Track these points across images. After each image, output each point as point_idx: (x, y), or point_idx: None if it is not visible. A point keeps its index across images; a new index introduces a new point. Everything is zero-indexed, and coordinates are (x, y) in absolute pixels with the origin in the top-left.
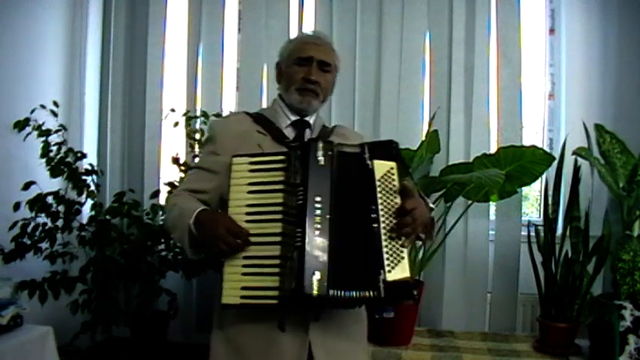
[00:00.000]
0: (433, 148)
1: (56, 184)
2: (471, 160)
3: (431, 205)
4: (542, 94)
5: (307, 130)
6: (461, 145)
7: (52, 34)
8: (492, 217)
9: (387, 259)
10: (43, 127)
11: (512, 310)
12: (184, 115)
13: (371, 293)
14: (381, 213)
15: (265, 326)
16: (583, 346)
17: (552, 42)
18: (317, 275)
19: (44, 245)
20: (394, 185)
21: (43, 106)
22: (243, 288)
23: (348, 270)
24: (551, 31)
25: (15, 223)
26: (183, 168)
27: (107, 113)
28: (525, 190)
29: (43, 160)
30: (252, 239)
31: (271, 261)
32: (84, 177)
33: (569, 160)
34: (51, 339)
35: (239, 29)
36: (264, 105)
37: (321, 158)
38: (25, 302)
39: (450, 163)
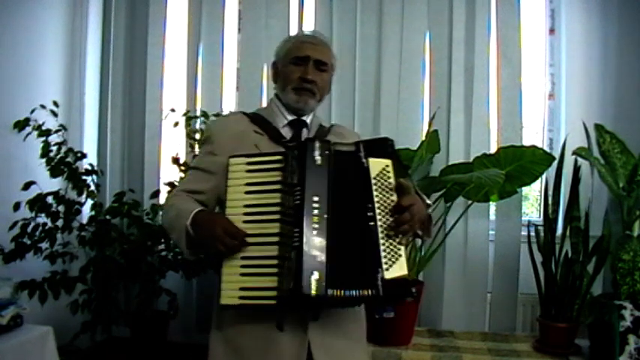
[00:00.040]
0: (433, 148)
1: (56, 184)
2: (471, 160)
3: (428, 202)
4: (542, 94)
5: (304, 130)
6: (461, 145)
7: (52, 34)
8: (492, 217)
9: (385, 257)
10: (43, 127)
11: (512, 310)
12: (184, 115)
13: (369, 292)
14: (378, 211)
15: (264, 326)
16: (583, 346)
17: (552, 42)
18: (315, 275)
19: (44, 245)
20: (390, 183)
21: (43, 106)
22: (242, 288)
23: (346, 269)
24: (551, 31)
25: (15, 223)
26: (183, 168)
27: (107, 113)
28: (525, 190)
29: (43, 160)
30: (250, 239)
31: (269, 261)
32: (84, 177)
33: (569, 160)
34: (51, 339)
35: (239, 29)
36: (265, 105)
37: (318, 158)
38: (25, 302)
39: (450, 163)
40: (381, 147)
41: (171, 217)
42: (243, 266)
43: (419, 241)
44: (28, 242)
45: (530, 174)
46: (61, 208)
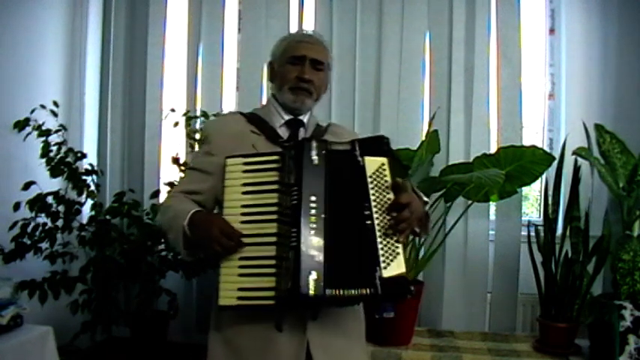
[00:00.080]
0: (433, 148)
1: (56, 184)
2: (471, 160)
3: (424, 199)
4: (542, 94)
5: (301, 129)
6: (461, 145)
7: (52, 34)
8: (492, 217)
9: (383, 255)
10: (43, 127)
11: (512, 310)
12: (184, 115)
13: (368, 291)
14: (375, 210)
15: (263, 326)
16: (583, 346)
17: (552, 42)
18: (313, 275)
19: (44, 245)
20: (386, 181)
21: (43, 106)
22: (240, 289)
23: (344, 268)
24: (551, 31)
25: (15, 223)
26: (183, 168)
27: (107, 113)
28: (525, 190)
29: (43, 160)
30: (248, 240)
31: (267, 261)
32: (84, 177)
33: (569, 160)
34: (51, 339)
35: (239, 29)
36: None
37: (315, 158)
38: (25, 302)
39: (450, 163)
40: (377, 145)
41: (169, 217)
42: (241, 267)
43: (419, 241)
44: (28, 242)
45: (530, 174)
46: (61, 208)
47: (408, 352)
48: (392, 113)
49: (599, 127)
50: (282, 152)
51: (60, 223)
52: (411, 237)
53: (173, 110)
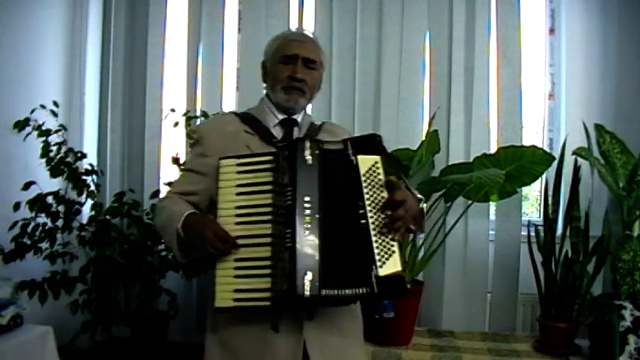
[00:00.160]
0: (433, 148)
1: (56, 184)
2: (471, 160)
3: (419, 196)
4: (542, 94)
5: (295, 129)
6: (461, 145)
7: (52, 34)
8: (492, 217)
9: (378, 254)
10: (43, 127)
11: (512, 310)
12: (184, 115)
13: (364, 290)
14: (369, 208)
15: (259, 327)
16: (583, 346)
17: (552, 42)
18: (309, 276)
19: (44, 245)
20: (380, 179)
21: (43, 106)
22: (236, 290)
23: (340, 268)
24: (551, 31)
25: (15, 223)
26: (183, 168)
27: (107, 113)
28: (525, 190)
29: (43, 160)
30: (243, 241)
31: (263, 262)
32: (84, 177)
33: (569, 160)
34: (51, 339)
35: (239, 29)
36: None
37: (308, 157)
38: (25, 302)
39: (450, 163)
40: (370, 143)
41: (164, 219)
42: (236, 268)
43: (419, 241)
44: (28, 242)
45: (530, 174)
46: (61, 208)
47: (408, 352)
48: (392, 113)
49: (599, 127)
50: (275, 152)
51: (60, 223)
52: (411, 236)
53: (173, 110)
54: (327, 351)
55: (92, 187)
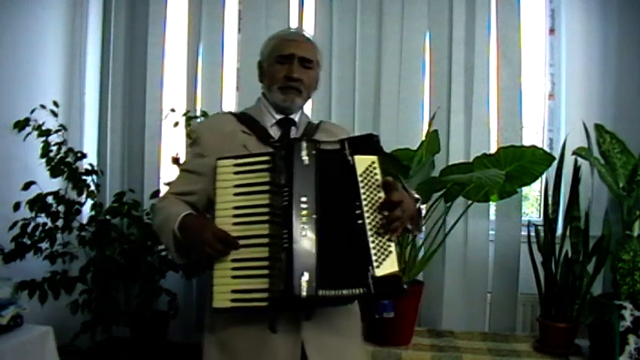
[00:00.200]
0: (433, 148)
1: (56, 184)
2: (471, 160)
3: (416, 196)
4: (542, 94)
5: (293, 128)
6: (461, 145)
7: (52, 34)
8: (492, 217)
9: (375, 254)
10: (43, 127)
11: (512, 310)
12: (184, 115)
13: (360, 290)
14: (365, 209)
15: (257, 328)
16: (583, 346)
17: (552, 42)
18: (305, 276)
19: (44, 245)
20: (377, 179)
21: (43, 106)
22: (234, 291)
23: (337, 269)
24: (551, 31)
25: (15, 223)
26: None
27: (107, 113)
28: (525, 190)
29: (43, 160)
30: (241, 242)
31: (260, 263)
32: (84, 177)
33: (569, 160)
34: (51, 339)
35: (239, 29)
36: None
37: (305, 158)
38: (25, 302)
39: (450, 163)
40: (367, 143)
41: (160, 220)
42: (234, 269)
43: (419, 241)
44: (28, 242)
45: (530, 174)
46: (61, 208)
47: (408, 352)
48: (392, 113)
49: (599, 127)
50: (272, 153)
51: (60, 223)
52: (411, 237)
53: (173, 110)
54: (325, 351)
55: (92, 187)
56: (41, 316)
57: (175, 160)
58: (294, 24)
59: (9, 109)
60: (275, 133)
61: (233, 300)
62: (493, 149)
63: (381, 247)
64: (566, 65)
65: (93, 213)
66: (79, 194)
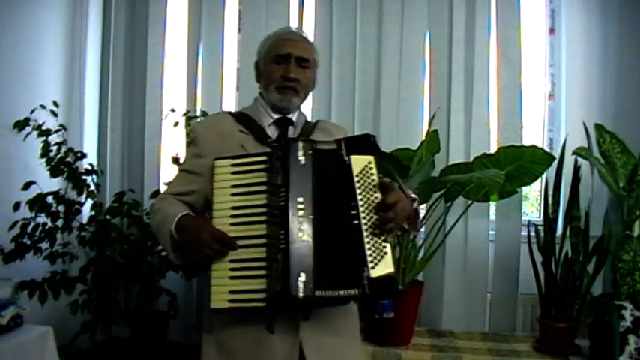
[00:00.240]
0: (433, 148)
1: (56, 184)
2: (471, 160)
3: (413, 196)
4: (542, 94)
5: (290, 128)
6: (461, 145)
7: (52, 34)
8: (492, 217)
9: (370, 255)
10: (43, 127)
11: (512, 310)
12: (184, 115)
13: (356, 291)
14: (362, 209)
15: (255, 328)
16: (583, 346)
17: (552, 42)
18: (302, 277)
19: (44, 245)
20: (373, 180)
21: (43, 106)
22: (231, 292)
23: (333, 269)
24: (551, 31)
25: (15, 223)
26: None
27: (107, 113)
28: (525, 190)
29: (43, 160)
30: (238, 242)
31: (257, 263)
32: (84, 177)
33: (569, 160)
34: (51, 339)
35: (239, 29)
36: None
37: (301, 158)
38: (25, 302)
39: (450, 163)
40: (363, 144)
41: (158, 220)
42: (231, 269)
43: (419, 241)
44: (28, 242)
45: (530, 174)
46: (61, 208)
47: (408, 352)
48: (392, 113)
49: (599, 127)
50: (269, 153)
51: (60, 223)
52: (410, 237)
53: (173, 110)
54: (323, 351)
55: (92, 187)
56: (41, 316)
57: (175, 160)
58: (294, 24)
59: (9, 109)
60: (272, 132)
61: (231, 300)
62: (493, 149)
63: (377, 247)
64: (566, 65)
65: (93, 213)
66: (79, 194)
